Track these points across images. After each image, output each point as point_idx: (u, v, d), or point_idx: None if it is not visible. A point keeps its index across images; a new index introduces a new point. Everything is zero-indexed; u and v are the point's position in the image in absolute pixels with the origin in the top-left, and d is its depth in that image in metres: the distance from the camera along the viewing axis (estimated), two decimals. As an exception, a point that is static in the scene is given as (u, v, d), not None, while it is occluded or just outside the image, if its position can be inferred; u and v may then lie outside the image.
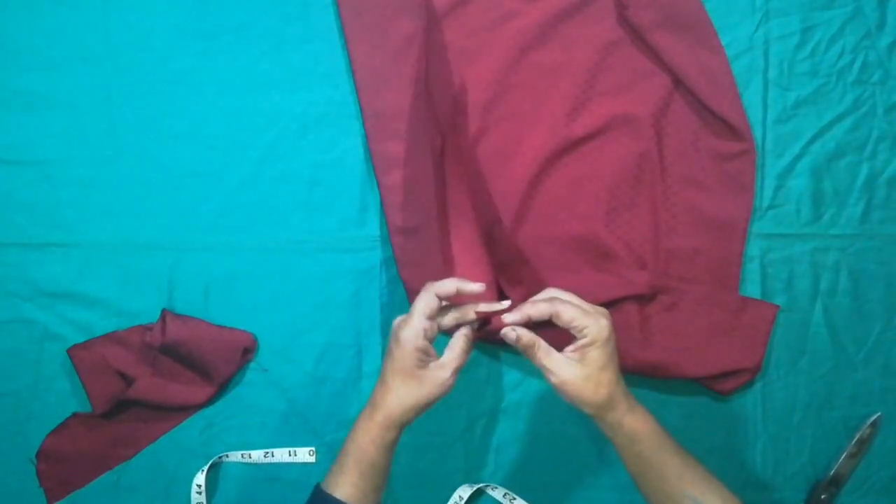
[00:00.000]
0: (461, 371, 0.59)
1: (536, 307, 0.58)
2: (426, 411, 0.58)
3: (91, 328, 0.74)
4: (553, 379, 0.57)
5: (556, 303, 0.58)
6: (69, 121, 0.75)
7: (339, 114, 0.77)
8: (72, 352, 0.74)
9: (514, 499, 0.75)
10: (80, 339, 0.74)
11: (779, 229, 0.81)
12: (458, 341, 0.60)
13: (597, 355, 0.56)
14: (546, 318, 0.58)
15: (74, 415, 0.74)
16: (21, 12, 0.74)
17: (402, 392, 0.57)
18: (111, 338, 0.74)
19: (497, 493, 0.76)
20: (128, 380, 0.74)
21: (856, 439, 0.81)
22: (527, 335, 0.58)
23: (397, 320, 0.59)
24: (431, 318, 0.58)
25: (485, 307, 0.61)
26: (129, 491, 0.75)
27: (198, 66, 0.76)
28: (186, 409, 0.75)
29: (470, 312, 0.61)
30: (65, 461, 0.74)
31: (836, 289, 0.81)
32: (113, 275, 0.75)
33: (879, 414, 0.81)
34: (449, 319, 0.60)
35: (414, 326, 0.57)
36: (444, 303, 0.60)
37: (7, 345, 0.74)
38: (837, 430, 0.81)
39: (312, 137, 0.77)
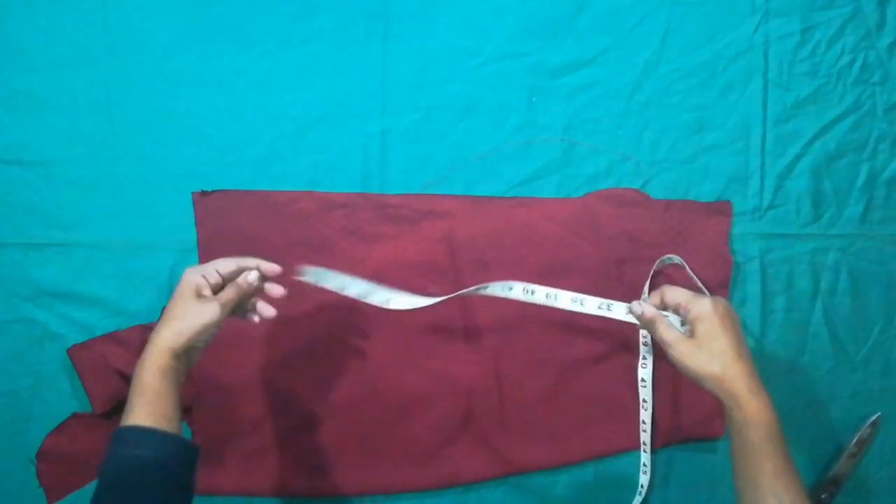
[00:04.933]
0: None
1: (651, 296, 0.66)
2: (197, 340, 0.60)
3: (91, 328, 0.74)
4: (671, 351, 0.60)
5: (663, 288, 0.64)
6: (69, 121, 0.75)
7: (339, 114, 0.77)
8: (72, 352, 0.73)
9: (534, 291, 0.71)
10: (80, 339, 0.74)
11: (779, 229, 0.81)
12: (234, 284, 0.64)
13: (704, 329, 0.59)
14: (657, 304, 0.64)
15: (74, 415, 0.74)
16: (21, 12, 0.74)
17: (172, 317, 0.60)
18: (111, 338, 0.74)
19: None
20: (128, 380, 0.73)
21: (856, 439, 0.81)
22: (650, 310, 0.63)
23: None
24: (218, 272, 0.63)
25: (266, 266, 0.65)
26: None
27: (198, 66, 0.76)
28: (186, 410, 0.75)
29: (250, 263, 0.65)
30: (65, 461, 0.74)
31: (836, 289, 0.81)
32: (113, 275, 0.75)
33: (879, 414, 0.81)
34: (230, 264, 0.64)
35: (198, 268, 0.63)
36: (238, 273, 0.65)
37: (7, 345, 0.74)
38: (837, 430, 0.81)
39: (312, 137, 0.77)
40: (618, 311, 0.67)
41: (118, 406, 0.74)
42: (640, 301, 0.65)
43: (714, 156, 0.81)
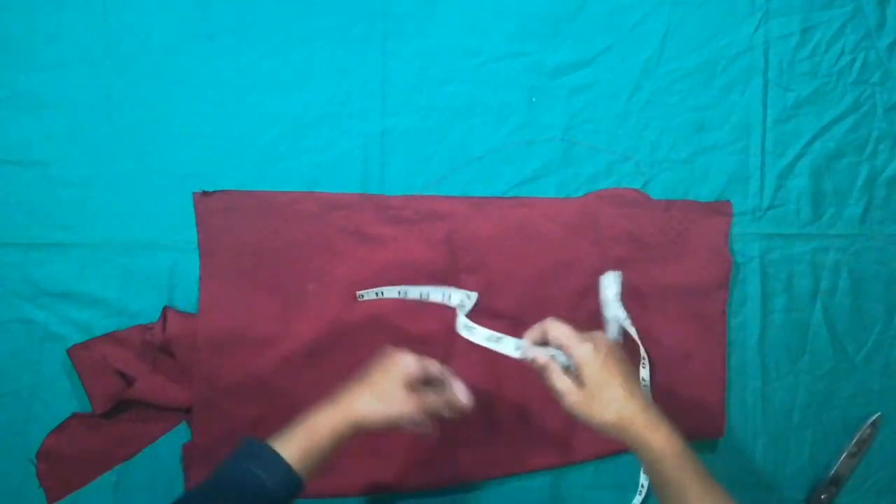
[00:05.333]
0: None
1: (531, 331, 0.63)
2: (387, 426, 0.59)
3: (91, 328, 0.74)
4: (564, 402, 0.59)
5: (546, 323, 0.61)
6: (69, 121, 0.75)
7: (339, 114, 0.77)
8: (72, 352, 0.73)
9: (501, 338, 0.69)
10: (80, 339, 0.74)
11: (779, 229, 0.81)
12: (446, 398, 0.62)
13: (590, 375, 0.58)
14: (540, 339, 0.62)
15: (74, 415, 0.74)
16: (21, 12, 0.74)
17: (377, 393, 0.59)
18: (111, 337, 0.74)
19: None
20: (128, 380, 0.73)
21: (856, 439, 0.81)
22: (542, 357, 0.61)
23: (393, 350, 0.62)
24: (427, 372, 0.62)
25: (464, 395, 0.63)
26: (129, 491, 0.75)
27: (198, 66, 0.76)
28: (186, 409, 0.75)
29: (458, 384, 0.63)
30: (65, 461, 0.74)
31: (835, 289, 0.81)
32: (113, 275, 0.75)
33: (879, 414, 0.81)
34: (437, 368, 0.63)
35: (415, 356, 0.61)
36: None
37: (7, 345, 0.74)
38: (837, 430, 0.81)
39: (312, 137, 0.77)
40: (506, 345, 0.64)
41: (118, 406, 0.74)
42: (531, 347, 0.62)
43: (714, 156, 0.81)
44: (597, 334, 0.61)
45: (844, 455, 0.80)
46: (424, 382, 0.62)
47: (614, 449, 0.78)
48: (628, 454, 0.79)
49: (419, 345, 0.76)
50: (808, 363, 0.81)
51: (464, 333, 0.68)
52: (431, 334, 0.77)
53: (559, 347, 0.60)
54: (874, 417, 0.81)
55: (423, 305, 0.77)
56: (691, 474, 0.57)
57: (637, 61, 0.80)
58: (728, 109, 0.81)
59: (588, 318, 0.77)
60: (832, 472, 0.80)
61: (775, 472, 0.80)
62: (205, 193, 0.75)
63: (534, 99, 0.79)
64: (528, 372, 0.77)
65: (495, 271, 0.77)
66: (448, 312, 0.77)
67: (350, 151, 0.77)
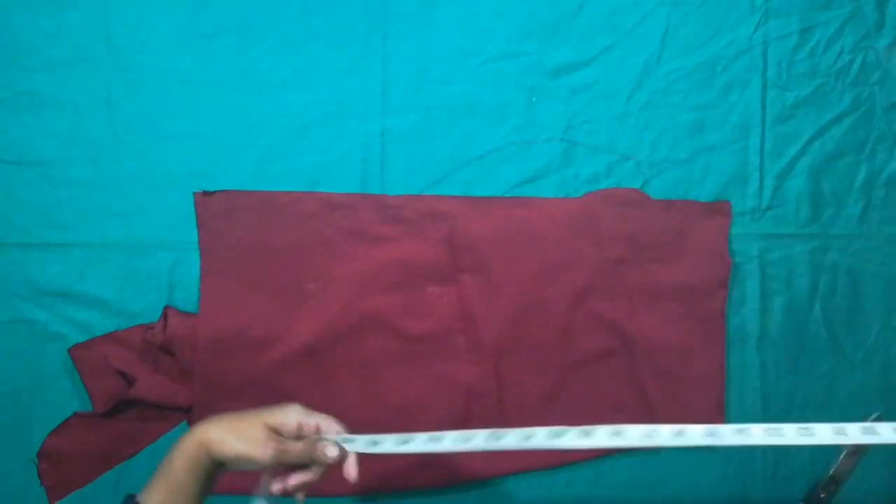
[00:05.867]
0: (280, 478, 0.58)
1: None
2: (234, 463, 0.56)
3: (91, 328, 0.74)
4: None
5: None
6: (69, 121, 0.75)
7: (339, 114, 0.77)
8: (72, 351, 0.73)
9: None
10: (81, 339, 0.74)
11: (778, 229, 0.81)
12: (309, 448, 0.58)
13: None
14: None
15: (75, 414, 0.74)
16: (21, 12, 0.74)
17: (235, 427, 0.56)
18: (112, 337, 0.74)
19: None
20: (128, 379, 0.73)
21: (855, 439, 0.81)
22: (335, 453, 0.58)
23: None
24: (306, 432, 0.58)
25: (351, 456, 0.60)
26: (129, 491, 0.75)
27: (198, 66, 0.76)
28: (186, 409, 0.75)
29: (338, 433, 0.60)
30: (65, 461, 0.74)
31: (834, 289, 0.81)
32: (113, 275, 0.75)
33: (879, 414, 0.81)
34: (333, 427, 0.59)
35: (309, 412, 0.58)
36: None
37: (7, 345, 0.74)
38: (836, 430, 0.81)
39: (312, 137, 0.77)
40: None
41: (119, 405, 0.74)
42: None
43: (713, 156, 0.81)
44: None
45: (844, 455, 0.80)
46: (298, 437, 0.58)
47: (615, 449, 0.78)
48: (629, 454, 0.79)
49: (419, 345, 0.77)
50: (807, 363, 0.81)
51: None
52: (431, 334, 0.77)
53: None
54: (874, 417, 0.81)
55: (423, 305, 0.77)
56: None
57: (637, 61, 0.80)
58: (727, 109, 0.81)
59: (588, 318, 0.77)
60: (831, 471, 0.80)
61: (775, 472, 0.80)
62: (205, 193, 0.75)
63: (534, 99, 0.79)
64: (529, 372, 0.78)
65: (495, 271, 0.77)
66: (448, 312, 0.77)
67: (350, 151, 0.77)
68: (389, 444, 0.58)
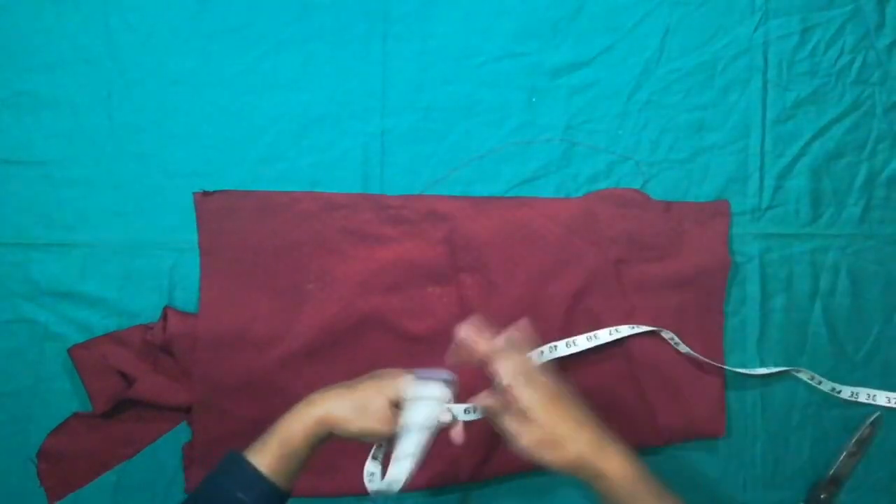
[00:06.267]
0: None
1: (457, 349, 0.59)
2: (358, 437, 0.58)
3: (91, 328, 0.74)
4: (518, 444, 0.55)
5: (484, 353, 0.58)
6: (69, 121, 0.75)
7: (339, 114, 0.77)
8: (72, 351, 0.73)
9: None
10: (81, 339, 0.74)
11: (778, 229, 0.81)
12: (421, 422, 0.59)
13: (539, 416, 0.54)
14: (466, 357, 0.59)
15: (75, 414, 0.74)
16: (21, 12, 0.74)
17: (359, 405, 0.57)
18: (111, 337, 0.74)
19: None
20: (128, 379, 0.74)
21: (855, 439, 0.81)
22: (492, 402, 0.57)
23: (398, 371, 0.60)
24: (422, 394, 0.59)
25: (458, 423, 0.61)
26: (129, 491, 0.75)
27: (198, 66, 0.76)
28: (186, 409, 0.75)
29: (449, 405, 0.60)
30: (65, 461, 0.74)
31: (835, 288, 0.81)
32: (113, 275, 0.75)
33: (879, 414, 0.81)
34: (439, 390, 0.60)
35: (418, 379, 0.58)
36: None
37: (7, 345, 0.74)
38: (837, 430, 0.81)
39: (312, 137, 0.77)
40: (457, 411, 0.61)
41: (118, 406, 0.74)
42: (486, 394, 0.58)
43: (713, 156, 0.81)
44: (533, 374, 0.56)
45: (844, 455, 0.80)
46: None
47: None
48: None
49: (419, 345, 0.77)
50: (807, 363, 0.81)
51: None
52: (431, 334, 0.77)
53: (503, 385, 0.56)
54: (874, 417, 0.81)
55: (423, 305, 0.77)
56: (644, 494, 0.54)
57: (637, 61, 0.80)
58: (728, 109, 0.81)
59: (587, 319, 0.77)
60: (832, 471, 0.80)
61: (775, 472, 0.80)
62: (205, 193, 0.75)
63: (534, 99, 0.79)
64: None
65: (495, 271, 0.77)
66: (448, 312, 0.77)
67: (350, 151, 0.77)
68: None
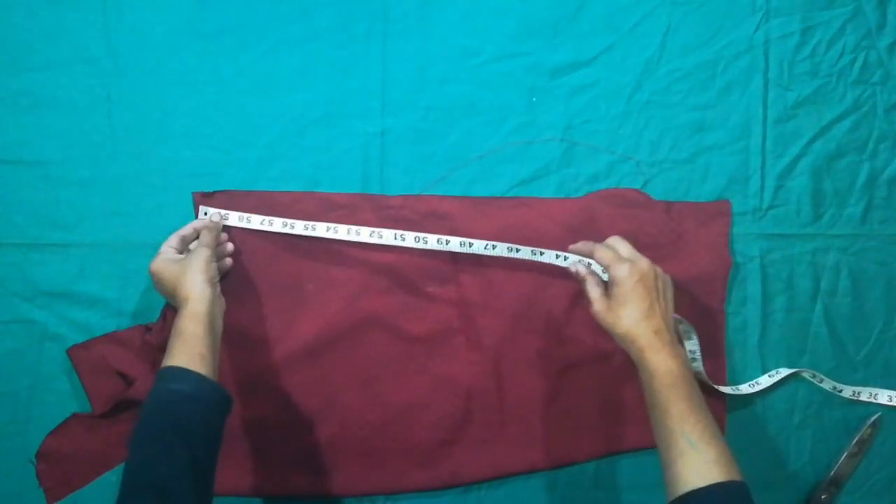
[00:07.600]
0: None
1: (578, 245, 0.73)
2: (211, 273, 0.67)
3: (91, 328, 0.74)
4: (591, 308, 0.68)
5: (596, 245, 0.70)
6: (69, 121, 0.75)
7: (339, 114, 0.77)
8: (72, 352, 0.73)
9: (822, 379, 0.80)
10: (80, 339, 0.74)
11: (779, 229, 0.81)
12: (202, 230, 0.72)
13: (619, 292, 0.65)
14: (585, 253, 0.72)
15: (74, 415, 0.74)
16: (21, 12, 0.74)
17: (176, 279, 0.66)
18: (111, 338, 0.74)
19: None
20: (128, 380, 0.74)
21: (856, 439, 0.81)
22: (583, 270, 0.72)
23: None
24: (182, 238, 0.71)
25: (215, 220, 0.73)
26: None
27: (198, 66, 0.76)
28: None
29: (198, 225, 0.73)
30: (65, 461, 0.74)
31: (836, 289, 0.81)
32: (113, 275, 0.75)
33: (879, 414, 0.81)
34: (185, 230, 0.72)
35: (159, 254, 0.69)
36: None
37: (7, 345, 0.74)
38: (837, 430, 0.81)
39: (312, 137, 0.77)
40: (549, 256, 0.75)
41: (118, 406, 0.74)
42: (580, 262, 0.73)
43: (714, 156, 0.81)
44: (641, 259, 0.67)
45: (845, 455, 0.80)
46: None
47: (615, 450, 0.78)
48: (629, 455, 0.79)
49: (419, 345, 0.77)
50: (808, 363, 0.81)
51: (506, 254, 0.74)
52: (431, 334, 0.77)
53: (602, 265, 0.68)
54: (874, 417, 0.81)
55: (423, 305, 0.77)
56: (680, 394, 0.60)
57: (637, 61, 0.80)
58: (728, 109, 0.81)
59: (588, 318, 0.77)
60: (832, 472, 0.80)
61: (775, 472, 0.80)
62: (205, 194, 0.75)
63: (534, 99, 0.79)
64: (529, 371, 0.77)
65: (495, 271, 0.77)
66: (448, 313, 0.77)
67: (350, 151, 0.77)
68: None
